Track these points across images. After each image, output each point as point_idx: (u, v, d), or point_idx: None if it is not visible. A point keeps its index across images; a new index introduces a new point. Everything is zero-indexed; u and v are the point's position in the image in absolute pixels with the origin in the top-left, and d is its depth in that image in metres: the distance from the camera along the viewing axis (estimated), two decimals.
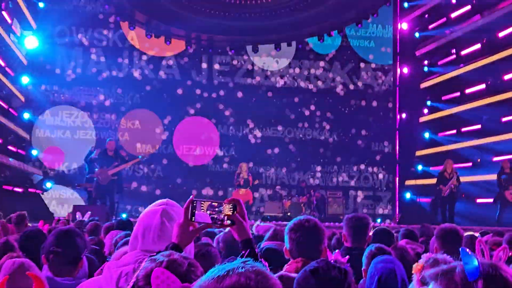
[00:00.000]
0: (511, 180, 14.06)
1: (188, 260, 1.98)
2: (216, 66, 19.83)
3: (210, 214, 2.46)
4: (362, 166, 20.15)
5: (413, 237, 6.21)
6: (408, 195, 19.04)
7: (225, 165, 19.48)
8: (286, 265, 3.45)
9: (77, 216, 11.98)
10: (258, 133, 19.89)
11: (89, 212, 11.92)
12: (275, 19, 17.23)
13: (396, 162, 20.35)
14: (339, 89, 20.30)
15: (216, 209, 2.46)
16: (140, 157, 15.99)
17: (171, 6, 16.51)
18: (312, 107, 20.17)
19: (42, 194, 17.22)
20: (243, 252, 2.44)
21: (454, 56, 18.29)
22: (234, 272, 1.48)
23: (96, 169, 14.68)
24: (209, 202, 2.48)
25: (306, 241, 3.39)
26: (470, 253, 1.63)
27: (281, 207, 16.62)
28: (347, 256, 2.91)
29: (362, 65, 20.42)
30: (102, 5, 17.95)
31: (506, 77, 16.09)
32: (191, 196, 2.52)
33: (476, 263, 1.59)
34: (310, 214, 15.91)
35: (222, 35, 18.13)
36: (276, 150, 19.91)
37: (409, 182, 19.51)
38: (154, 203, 2.83)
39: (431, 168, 18.27)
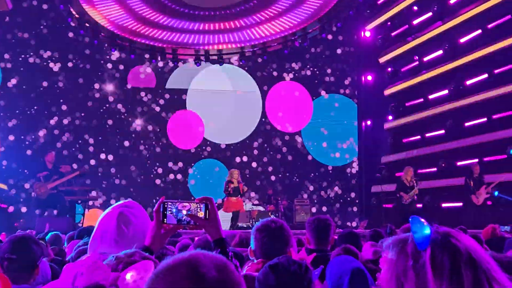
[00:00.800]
0: (479, 184, 14.18)
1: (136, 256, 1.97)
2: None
3: (181, 215, 2.41)
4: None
5: (381, 238, 6.22)
6: (373, 201, 19.14)
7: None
8: (247, 266, 3.41)
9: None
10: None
11: (48, 224, 11.74)
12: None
13: (361, 168, 20.50)
14: None
15: (188, 209, 2.41)
16: (80, 170, 15.59)
17: None
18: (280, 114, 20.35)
19: (7, 207, 16.84)
20: (215, 251, 2.35)
21: (417, 62, 18.48)
22: (187, 254, 1.45)
23: (35, 182, 14.45)
24: (180, 203, 2.43)
25: (271, 242, 3.37)
26: (422, 222, 1.61)
27: (249, 217, 16.56)
28: (313, 254, 2.90)
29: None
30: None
31: (469, 82, 16.32)
32: (161, 198, 2.46)
33: (427, 231, 1.57)
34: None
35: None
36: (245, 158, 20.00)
37: (375, 189, 19.61)
38: (114, 205, 2.79)
39: (396, 174, 18.40)
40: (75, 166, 16.31)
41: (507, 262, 2.46)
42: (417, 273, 1.56)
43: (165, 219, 2.41)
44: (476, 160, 15.41)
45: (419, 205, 15.36)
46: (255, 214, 16.56)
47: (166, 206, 2.42)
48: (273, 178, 20.01)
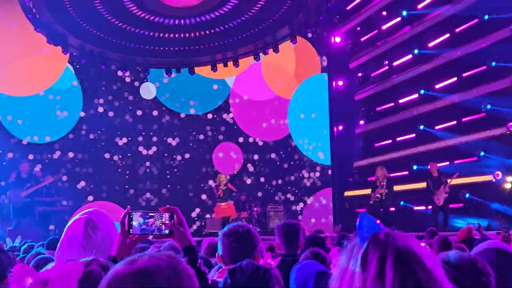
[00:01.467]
0: (438, 184, 14.31)
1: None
2: None
3: (147, 225, 2.41)
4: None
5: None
6: (346, 206, 19.21)
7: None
8: (216, 272, 3.39)
9: (6, 240, 11.62)
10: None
11: (19, 236, 11.58)
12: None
13: (333, 173, 20.58)
14: None
15: (153, 219, 2.41)
16: (52, 176, 15.42)
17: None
18: None
19: None
20: (184, 259, 2.36)
21: (387, 67, 18.63)
22: (146, 256, 1.46)
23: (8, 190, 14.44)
24: (146, 213, 2.43)
25: (239, 247, 3.34)
26: (370, 219, 1.64)
27: (222, 224, 16.42)
28: (279, 258, 2.91)
29: None
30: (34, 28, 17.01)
31: (438, 86, 16.48)
32: (126, 208, 2.45)
33: (372, 229, 1.60)
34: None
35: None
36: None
37: (347, 193, 19.70)
38: (81, 212, 2.77)
39: (368, 179, 18.51)
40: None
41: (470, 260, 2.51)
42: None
43: (130, 230, 2.42)
44: (447, 163, 15.56)
45: (392, 209, 15.45)
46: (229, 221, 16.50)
47: (131, 216, 2.42)
48: (248, 181, 19.96)
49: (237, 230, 3.39)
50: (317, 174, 20.73)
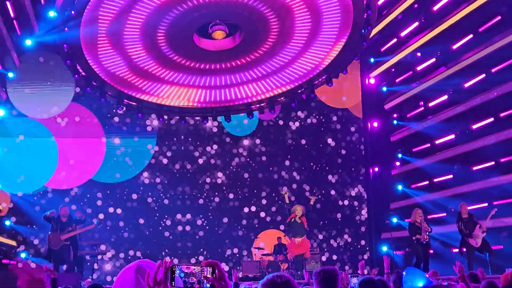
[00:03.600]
0: (471, 225, 14.03)
1: None
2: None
3: (188, 279, 2.45)
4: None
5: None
6: (384, 248, 18.95)
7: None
8: None
9: None
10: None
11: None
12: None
13: (370, 215, 20.41)
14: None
15: (194, 273, 2.46)
16: (96, 222, 15.49)
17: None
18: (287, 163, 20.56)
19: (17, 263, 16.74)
20: None
21: (422, 108, 18.58)
22: None
23: (49, 232, 14.50)
24: (187, 266, 2.48)
25: None
26: (419, 274, 1.65)
27: (259, 267, 16.27)
28: None
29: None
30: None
31: (474, 126, 16.37)
32: (168, 261, 2.50)
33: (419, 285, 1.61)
34: (288, 272, 15.64)
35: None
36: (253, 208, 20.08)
37: (384, 235, 19.47)
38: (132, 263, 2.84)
39: (405, 220, 18.28)
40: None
41: None
42: None
43: (173, 282, 2.45)
44: (486, 204, 15.33)
45: (431, 251, 15.20)
46: (265, 264, 16.35)
47: (174, 269, 2.47)
48: (282, 227, 19.87)
49: (276, 281, 3.32)
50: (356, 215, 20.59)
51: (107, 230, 18.48)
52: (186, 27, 14.83)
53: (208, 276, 2.45)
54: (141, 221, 19.19)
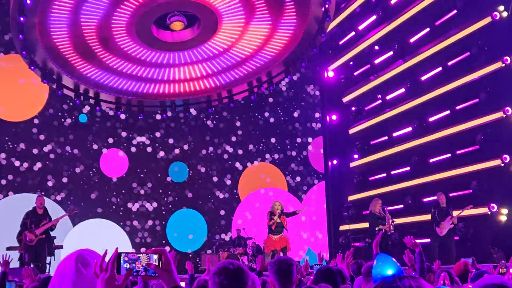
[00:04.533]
0: (444, 215, 14.18)
1: None
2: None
3: (135, 266, 2.47)
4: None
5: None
6: (342, 240, 19.11)
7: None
8: None
9: None
10: None
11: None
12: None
13: (329, 207, 20.54)
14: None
15: (141, 260, 2.48)
16: (68, 211, 15.14)
17: None
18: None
19: None
20: None
21: (380, 101, 18.73)
22: None
23: (22, 230, 13.78)
24: (134, 254, 2.49)
25: (229, 285, 3.25)
26: (390, 261, 1.62)
27: (218, 260, 16.24)
28: None
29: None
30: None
31: (431, 119, 16.57)
32: (115, 249, 2.49)
33: (388, 272, 1.58)
34: (248, 264, 15.66)
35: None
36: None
37: (343, 227, 19.63)
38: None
39: (363, 213, 18.46)
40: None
41: None
42: None
43: (120, 271, 2.46)
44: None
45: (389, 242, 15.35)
46: (224, 257, 16.33)
47: (120, 257, 2.47)
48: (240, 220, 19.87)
49: (228, 268, 3.30)
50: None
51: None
52: (144, 18, 14.62)
53: (155, 263, 2.46)
54: None
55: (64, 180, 18.57)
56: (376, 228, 14.24)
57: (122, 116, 19.38)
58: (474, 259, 9.90)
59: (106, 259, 2.48)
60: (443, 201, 14.31)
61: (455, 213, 14.14)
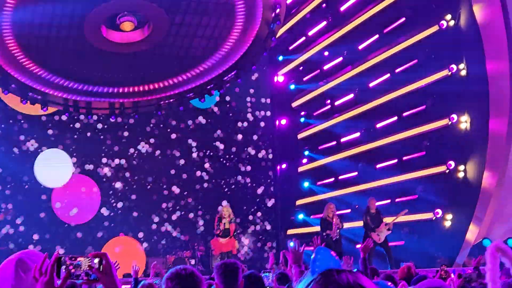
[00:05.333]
0: (378, 221, 14.35)
1: None
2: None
3: (75, 270, 2.43)
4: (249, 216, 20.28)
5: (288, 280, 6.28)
6: (291, 244, 19.14)
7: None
8: None
9: None
10: None
11: None
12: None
13: (277, 212, 20.58)
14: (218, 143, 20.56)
15: (82, 264, 2.44)
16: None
17: None
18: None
19: None
20: None
21: (329, 106, 18.88)
22: None
23: None
24: (75, 257, 2.45)
25: None
26: (330, 255, 1.61)
27: (165, 263, 16.13)
28: None
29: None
30: None
31: (378, 125, 16.78)
32: (55, 253, 2.45)
33: (328, 264, 1.57)
34: (195, 267, 15.54)
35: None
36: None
37: (291, 231, 19.68)
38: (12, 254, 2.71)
39: (311, 217, 18.57)
40: None
41: None
42: None
43: (59, 274, 2.42)
44: (389, 200, 15.76)
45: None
46: (171, 260, 16.21)
47: (60, 260, 2.42)
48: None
49: (180, 273, 3.34)
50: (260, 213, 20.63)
51: None
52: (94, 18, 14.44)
53: (95, 267, 2.43)
54: None
55: None
56: (324, 234, 14.33)
57: None
58: (413, 263, 10.05)
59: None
60: (374, 206, 14.48)
61: (390, 220, 14.30)
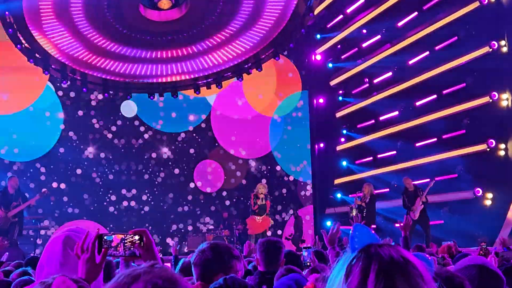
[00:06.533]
0: (414, 199, 14.27)
1: (79, 283, 2.02)
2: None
3: (117, 247, 2.47)
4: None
5: (324, 259, 6.28)
6: (328, 223, 19.16)
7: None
8: None
9: None
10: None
11: (7, 253, 11.31)
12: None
13: (315, 191, 20.58)
14: None
15: (123, 241, 2.48)
16: (40, 193, 15.01)
17: None
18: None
19: None
20: None
21: (367, 85, 18.73)
22: (141, 279, 1.45)
23: None
24: (116, 235, 2.49)
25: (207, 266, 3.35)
26: (366, 230, 1.61)
27: (204, 241, 16.24)
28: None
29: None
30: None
31: (418, 103, 16.59)
32: (97, 230, 2.50)
33: (366, 240, 1.58)
34: (234, 247, 15.66)
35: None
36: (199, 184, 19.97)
37: (329, 211, 19.68)
38: (62, 230, 2.78)
39: (349, 196, 18.51)
40: (27, 195, 15.38)
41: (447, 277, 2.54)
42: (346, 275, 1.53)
43: (100, 251, 2.47)
44: (428, 179, 15.62)
45: (373, 226, 15.41)
46: (210, 239, 16.35)
47: (101, 238, 2.47)
48: (227, 202, 19.91)
49: (204, 250, 3.43)
50: (301, 191, 20.71)
51: (50, 205, 18.07)
52: None
53: (136, 243, 2.48)
54: (85, 196, 18.86)
55: None
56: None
57: None
58: (455, 242, 9.98)
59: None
60: (410, 185, 14.44)
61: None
